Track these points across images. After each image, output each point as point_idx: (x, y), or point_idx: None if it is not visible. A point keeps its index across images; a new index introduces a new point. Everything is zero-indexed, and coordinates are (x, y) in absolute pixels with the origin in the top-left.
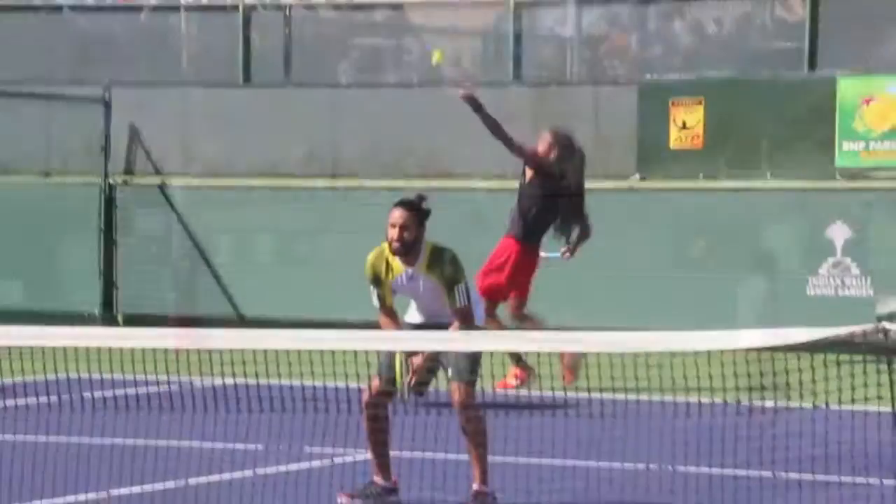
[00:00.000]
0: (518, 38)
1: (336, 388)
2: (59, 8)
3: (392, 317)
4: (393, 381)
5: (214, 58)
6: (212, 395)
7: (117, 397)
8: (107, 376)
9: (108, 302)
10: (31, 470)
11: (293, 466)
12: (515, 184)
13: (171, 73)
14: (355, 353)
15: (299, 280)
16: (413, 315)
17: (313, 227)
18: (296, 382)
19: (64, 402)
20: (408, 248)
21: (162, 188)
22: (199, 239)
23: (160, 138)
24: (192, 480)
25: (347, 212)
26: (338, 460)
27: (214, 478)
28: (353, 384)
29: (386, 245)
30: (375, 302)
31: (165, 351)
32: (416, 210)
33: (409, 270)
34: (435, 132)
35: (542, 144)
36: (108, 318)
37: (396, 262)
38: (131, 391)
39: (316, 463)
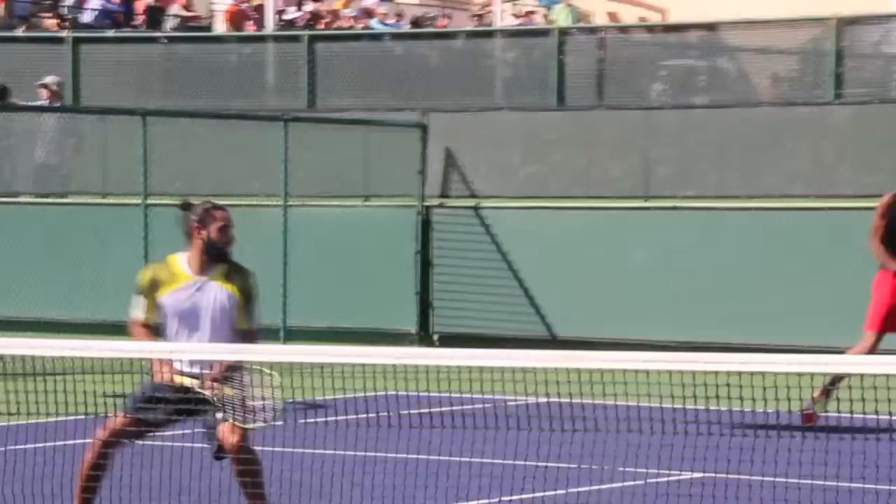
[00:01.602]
0: (839, 56)
1: (650, 409)
2: (378, 36)
3: (149, 330)
4: (140, 421)
5: (527, 81)
6: (525, 413)
7: (433, 415)
8: (423, 394)
9: (424, 321)
10: (349, 485)
11: (605, 486)
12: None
13: (486, 98)
14: (670, 373)
15: (611, 300)
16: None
17: (626, 248)
18: (609, 402)
19: (382, 419)
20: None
21: (476, 210)
22: (512, 259)
23: (475, 161)
24: (506, 498)
25: (659, 231)
26: (651, 481)
27: (527, 496)
28: (667, 405)
29: (174, 257)
30: (135, 313)
31: (480, 370)
32: None
33: (200, 280)
34: (748, 152)
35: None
36: (424, 337)
37: (182, 272)
38: (447, 409)
39: (629, 483)
